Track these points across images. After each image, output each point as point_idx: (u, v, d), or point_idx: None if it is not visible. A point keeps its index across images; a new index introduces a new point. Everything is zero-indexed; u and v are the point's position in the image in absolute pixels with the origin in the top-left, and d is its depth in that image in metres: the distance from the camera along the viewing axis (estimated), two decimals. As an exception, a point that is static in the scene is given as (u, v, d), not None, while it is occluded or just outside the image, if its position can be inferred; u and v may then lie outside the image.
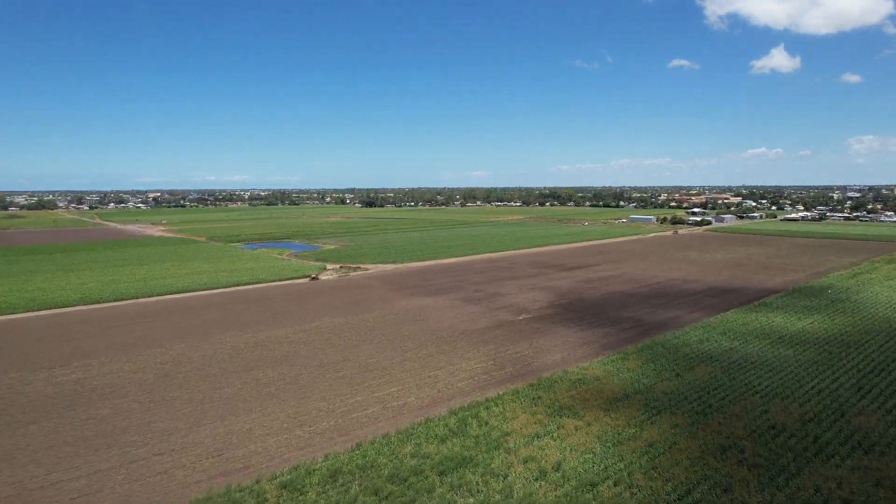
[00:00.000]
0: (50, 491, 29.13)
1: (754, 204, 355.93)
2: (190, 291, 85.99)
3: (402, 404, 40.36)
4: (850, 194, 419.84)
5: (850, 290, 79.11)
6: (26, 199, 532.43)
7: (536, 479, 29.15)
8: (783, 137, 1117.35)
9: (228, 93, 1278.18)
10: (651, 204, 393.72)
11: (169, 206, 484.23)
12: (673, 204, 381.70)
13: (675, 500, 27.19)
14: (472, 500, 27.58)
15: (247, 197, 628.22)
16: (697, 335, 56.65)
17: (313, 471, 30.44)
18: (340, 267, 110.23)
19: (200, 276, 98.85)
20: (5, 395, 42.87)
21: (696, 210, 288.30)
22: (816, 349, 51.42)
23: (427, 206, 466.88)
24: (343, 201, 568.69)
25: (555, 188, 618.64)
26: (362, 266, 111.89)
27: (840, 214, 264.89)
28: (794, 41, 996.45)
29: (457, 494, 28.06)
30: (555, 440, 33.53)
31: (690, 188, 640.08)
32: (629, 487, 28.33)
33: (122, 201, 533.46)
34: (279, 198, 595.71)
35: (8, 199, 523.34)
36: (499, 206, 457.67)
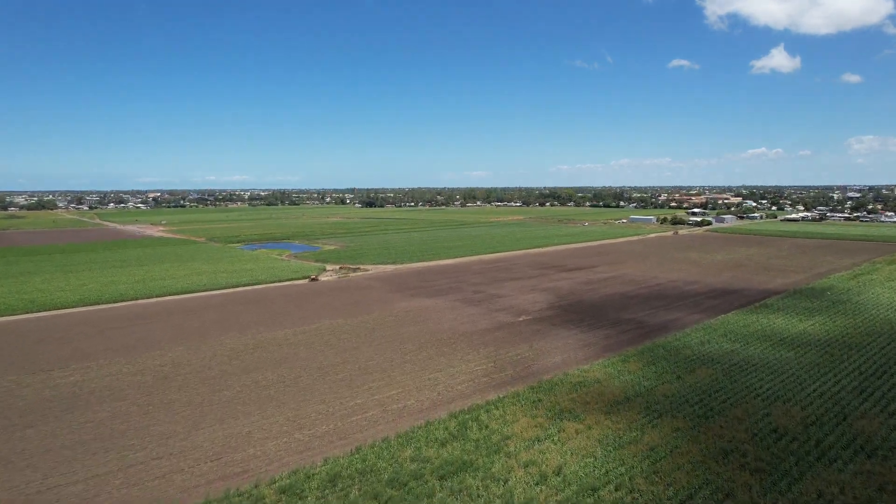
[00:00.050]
0: (47, 496, 28.92)
1: (754, 204, 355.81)
2: (189, 293, 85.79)
3: (402, 407, 40.16)
4: (851, 194, 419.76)
5: (851, 292, 78.91)
6: (26, 200, 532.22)
7: (537, 484, 28.95)
8: (783, 137, 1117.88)
9: (228, 93, 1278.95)
10: (651, 204, 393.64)
11: (169, 207, 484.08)
12: (673, 204, 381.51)
13: (676, 506, 26.98)
14: (472, 505, 27.38)
15: (247, 197, 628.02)
16: (698, 337, 56.45)
17: (312, 475, 30.24)
18: (340, 268, 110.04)
19: (200, 277, 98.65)
20: (3, 398, 42.66)
21: (696, 210, 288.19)
22: (818, 351, 51.22)
23: (427, 207, 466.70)
24: (343, 201, 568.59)
25: (555, 188, 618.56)
26: (362, 267, 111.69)
27: (840, 215, 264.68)
28: (794, 41, 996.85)
29: (457, 499, 27.86)
30: (555, 444, 33.32)
31: (690, 188, 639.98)
32: (630, 492, 28.13)
33: (121, 201, 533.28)
34: (279, 198, 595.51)
35: (8, 199, 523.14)
36: (499, 206, 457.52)
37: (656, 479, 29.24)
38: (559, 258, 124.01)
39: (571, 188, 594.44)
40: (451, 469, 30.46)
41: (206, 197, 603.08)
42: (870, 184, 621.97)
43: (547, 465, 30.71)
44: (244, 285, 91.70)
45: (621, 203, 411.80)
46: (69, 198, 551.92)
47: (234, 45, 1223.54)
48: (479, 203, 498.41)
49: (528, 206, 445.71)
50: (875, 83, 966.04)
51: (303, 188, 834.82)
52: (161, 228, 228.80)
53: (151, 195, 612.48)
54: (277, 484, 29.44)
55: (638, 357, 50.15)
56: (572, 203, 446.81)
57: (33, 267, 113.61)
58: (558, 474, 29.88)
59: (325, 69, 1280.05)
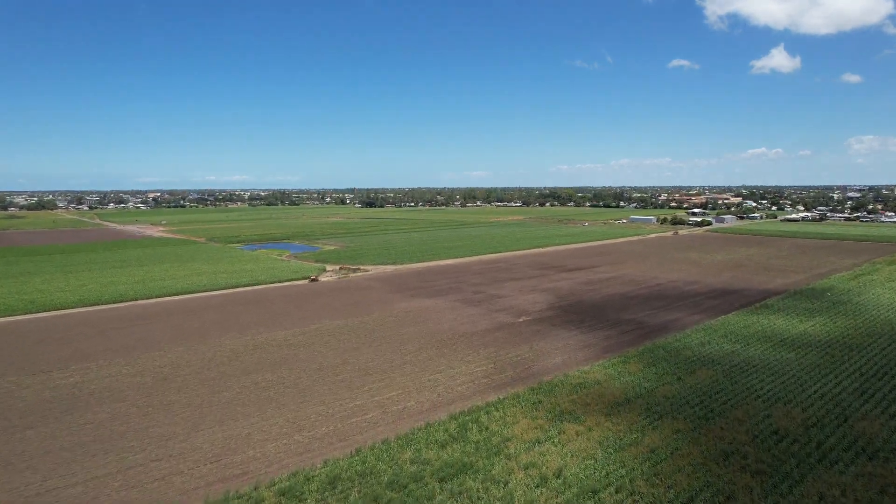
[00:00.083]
0: (46, 498, 28.85)
1: (754, 204, 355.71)
2: (189, 293, 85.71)
3: (402, 409, 40.08)
4: (851, 194, 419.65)
5: (852, 292, 78.82)
6: (26, 200, 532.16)
7: (537, 486, 28.87)
8: (783, 137, 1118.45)
9: (228, 93, 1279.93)
10: (651, 204, 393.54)
11: (169, 207, 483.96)
12: (673, 204, 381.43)
13: (677, 508, 26.91)
14: (472, 507, 27.31)
15: (247, 197, 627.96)
16: (699, 338, 56.38)
17: (312, 477, 30.16)
18: (340, 268, 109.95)
19: (200, 277, 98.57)
20: (2, 399, 42.58)
21: (696, 210, 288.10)
22: (818, 352, 51.14)
23: (427, 207, 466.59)
24: (343, 201, 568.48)
25: (555, 188, 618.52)
26: (362, 267, 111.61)
27: (840, 215, 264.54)
28: (794, 41, 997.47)
29: (457, 502, 27.79)
30: (556, 446, 33.25)
31: (690, 188, 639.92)
32: (631, 494, 28.05)
33: (121, 201, 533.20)
34: (279, 198, 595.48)
35: (8, 199, 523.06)
36: (499, 206, 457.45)
37: (657, 482, 29.16)
38: (559, 258, 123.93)
39: (571, 188, 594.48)
40: (452, 471, 30.38)
41: (206, 197, 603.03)
42: (870, 184, 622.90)
43: (547, 468, 30.63)
44: (244, 286, 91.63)
45: (621, 203, 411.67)
46: (69, 198, 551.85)
47: (234, 45, 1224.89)
48: (479, 203, 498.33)
49: (528, 206, 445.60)
50: (875, 83, 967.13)
51: (303, 188, 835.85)
52: (161, 229, 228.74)
53: (151, 195, 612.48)
54: (277, 486, 29.36)
55: (638, 358, 50.07)
56: (572, 203, 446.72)
57: (33, 267, 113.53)
58: (559, 476, 29.80)
59: (325, 69, 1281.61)
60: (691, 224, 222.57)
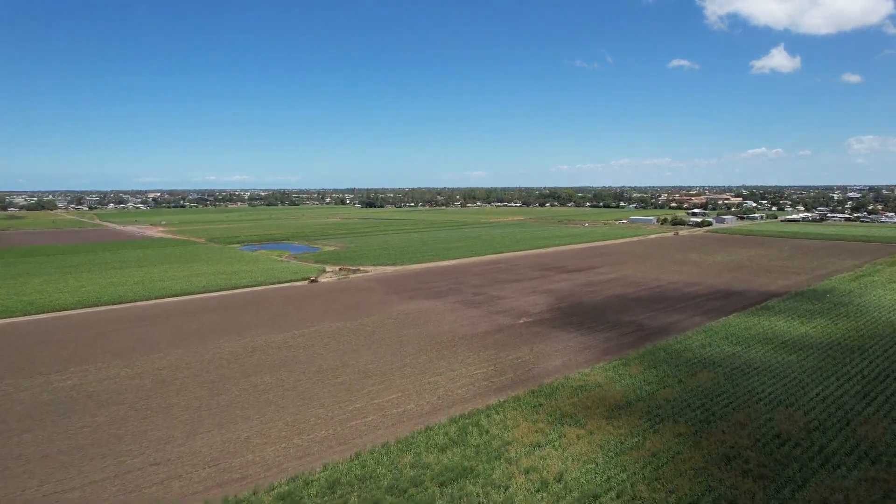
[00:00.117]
0: (43, 503, 28.64)
1: (755, 205, 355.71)
2: (188, 294, 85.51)
3: (402, 412, 39.87)
4: (851, 195, 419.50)
5: (853, 294, 78.61)
6: (26, 200, 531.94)
7: (538, 491, 28.66)
8: (783, 137, 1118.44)
9: (228, 93, 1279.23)
10: (651, 204, 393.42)
11: (168, 207, 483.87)
12: (673, 204, 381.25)
13: (679, 513, 26.71)
14: (472, 512, 27.10)
15: (246, 197, 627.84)
16: (699, 340, 56.17)
17: (311, 481, 29.95)
18: (340, 269, 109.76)
19: (199, 278, 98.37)
20: (0, 402, 42.37)
21: (696, 211, 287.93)
22: (820, 354, 50.93)
23: (427, 207, 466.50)
24: (343, 201, 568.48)
25: (555, 188, 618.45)
26: (362, 268, 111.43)
27: (841, 215, 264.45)
28: (794, 41, 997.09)
29: (457, 507, 27.57)
30: (556, 450, 33.03)
31: (690, 188, 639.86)
32: (632, 499, 27.84)
33: (121, 202, 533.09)
34: (279, 198, 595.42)
35: (7, 199, 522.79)
36: (499, 206, 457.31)
37: (658, 486, 28.95)
38: (560, 259, 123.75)
39: (571, 188, 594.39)
40: (452, 475, 30.17)
41: (206, 197, 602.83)
42: (870, 184, 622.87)
43: (548, 472, 30.42)
44: (244, 287, 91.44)
45: (621, 203, 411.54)
46: (69, 198, 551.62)
47: (234, 45, 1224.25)
48: (479, 203, 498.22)
49: (528, 206, 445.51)
50: (875, 83, 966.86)
51: (303, 188, 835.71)
52: (161, 229, 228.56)
53: (151, 195, 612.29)
54: (276, 490, 29.15)
55: (639, 360, 49.85)
56: (572, 203, 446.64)
57: (32, 268, 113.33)
58: (559, 481, 29.59)
59: (325, 69, 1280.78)
60: (691, 224, 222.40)
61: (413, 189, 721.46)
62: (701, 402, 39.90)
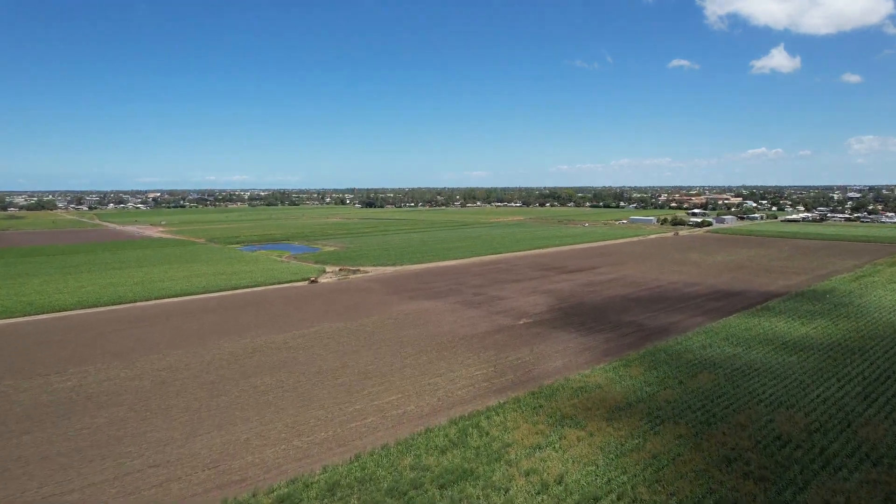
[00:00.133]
0: (42, 505, 28.57)
1: (755, 205, 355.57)
2: (188, 295, 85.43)
3: (402, 413, 39.79)
4: (851, 195, 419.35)
5: (853, 294, 78.52)
6: (26, 200, 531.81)
7: (538, 493, 28.57)
8: (783, 137, 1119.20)
9: (228, 93, 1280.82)
10: (651, 204, 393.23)
11: (168, 207, 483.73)
12: (673, 204, 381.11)
13: (680, 516, 26.63)
14: (472, 515, 27.02)
15: (246, 197, 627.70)
16: (700, 341, 56.08)
17: (311, 484, 29.86)
18: (340, 269, 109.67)
19: (199, 279, 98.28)
20: (-1, 403, 42.32)
21: (696, 211, 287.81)
22: (820, 356, 50.85)
23: (427, 207, 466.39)
24: (343, 201, 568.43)
25: (555, 188, 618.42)
26: (362, 268, 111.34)
27: (841, 215, 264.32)
28: (794, 41, 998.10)
29: (457, 509, 27.49)
30: (557, 452, 32.94)
31: (690, 188, 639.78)
32: (633, 502, 27.75)
33: (121, 202, 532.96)
34: (279, 198, 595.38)
35: (7, 199, 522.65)
36: (499, 206, 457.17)
37: (659, 489, 28.87)
38: (560, 259, 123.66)
39: (571, 188, 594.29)
40: (452, 478, 30.09)
41: (206, 197, 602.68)
42: (870, 184, 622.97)
43: (548, 474, 30.33)
44: (244, 287, 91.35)
45: (621, 203, 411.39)
46: (69, 198, 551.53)
47: (234, 45, 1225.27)
48: (479, 203, 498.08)
49: (528, 206, 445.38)
50: (875, 83, 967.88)
51: (303, 188, 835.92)
52: (160, 229, 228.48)
53: (151, 195, 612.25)
54: (276, 493, 29.06)
55: (639, 361, 49.77)
56: (572, 203, 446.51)
57: (32, 268, 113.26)
58: (560, 483, 29.51)
59: (325, 69, 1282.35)
60: (692, 225, 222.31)
61: (413, 189, 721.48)
62: (701, 404, 39.81)
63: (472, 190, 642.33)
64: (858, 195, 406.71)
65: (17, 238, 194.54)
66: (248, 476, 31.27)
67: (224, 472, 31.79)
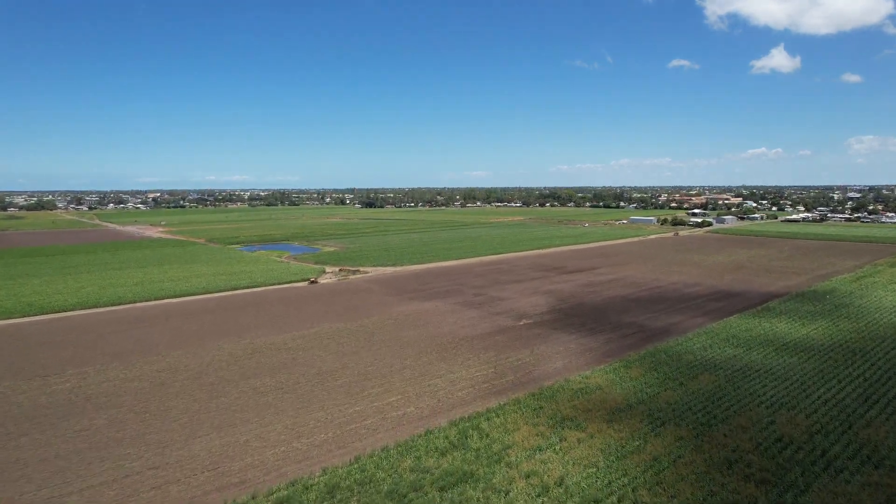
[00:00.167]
0: (41, 508, 28.46)
1: (755, 205, 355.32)
2: (188, 295, 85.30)
3: (402, 414, 39.67)
4: (851, 195, 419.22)
5: (854, 295, 78.40)
6: (25, 200, 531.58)
7: (539, 496, 28.47)
8: (783, 137, 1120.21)
9: (228, 93, 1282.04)
10: (651, 205, 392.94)
11: (168, 207, 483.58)
12: (673, 205, 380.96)
13: (681, 519, 26.52)
14: (473, 517, 26.92)
15: (246, 197, 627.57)
16: (700, 342, 55.95)
17: (311, 486, 29.75)
18: (340, 270, 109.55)
19: (199, 279, 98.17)
20: (-2, 404, 42.19)
21: (696, 211, 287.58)
22: (821, 357, 50.73)
23: (427, 207, 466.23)
24: (343, 202, 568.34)
25: (555, 188, 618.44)
26: (361, 269, 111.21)
27: (841, 216, 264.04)
28: (794, 41, 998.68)
29: (457, 512, 27.37)
30: (557, 454, 32.83)
31: (690, 188, 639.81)
32: (634, 504, 27.64)
33: (121, 202, 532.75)
34: (279, 198, 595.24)
35: (7, 199, 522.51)
36: (499, 206, 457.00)
37: (660, 491, 28.76)
38: (560, 260, 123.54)
39: (571, 188, 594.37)
40: (452, 480, 29.98)
41: (206, 197, 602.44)
42: (870, 184, 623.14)
43: (549, 476, 30.23)
44: (243, 288, 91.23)
45: (621, 203, 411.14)
46: (69, 198, 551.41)
47: (234, 45, 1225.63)
48: (479, 203, 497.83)
49: (528, 206, 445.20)
50: (875, 83, 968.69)
51: (303, 188, 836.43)
52: (160, 229, 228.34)
53: (151, 195, 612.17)
54: (275, 495, 28.96)
55: (640, 362, 49.65)
56: (572, 203, 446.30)
57: (31, 269, 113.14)
58: (560, 485, 29.40)
59: (325, 69, 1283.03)
60: (692, 225, 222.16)
61: (413, 189, 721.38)
62: (702, 405, 39.70)
63: (472, 190, 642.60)
64: (858, 195, 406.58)
65: (16, 238, 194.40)
66: (247, 478, 31.17)
67: (223, 473, 31.68)
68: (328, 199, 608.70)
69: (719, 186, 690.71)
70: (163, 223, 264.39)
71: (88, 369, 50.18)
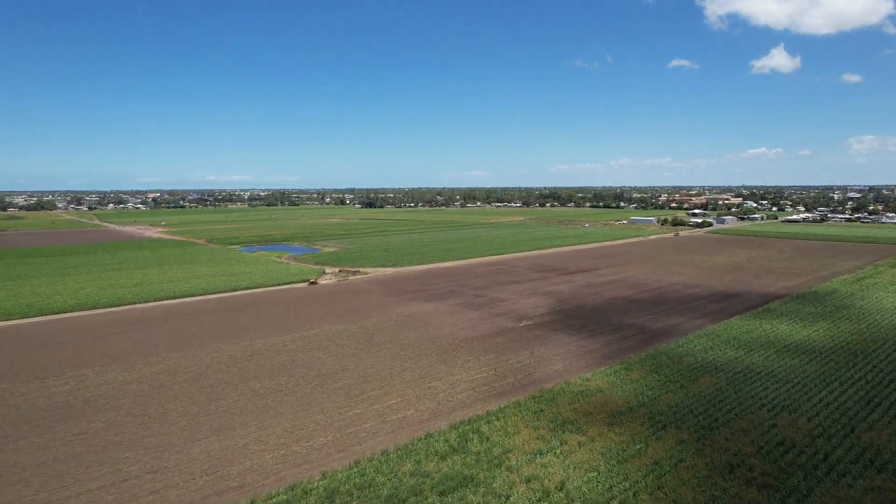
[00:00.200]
0: (38, 512, 28.29)
1: (755, 205, 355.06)
2: (188, 296, 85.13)
3: (402, 417, 39.50)
4: (851, 195, 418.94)
5: (855, 296, 78.23)
6: (25, 200, 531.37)
7: (539, 501, 28.29)
8: (783, 137, 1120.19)
9: (228, 93, 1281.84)
10: (651, 205, 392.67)
11: (168, 207, 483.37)
12: (673, 205, 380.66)
13: (682, 524, 26.35)
14: (473, 523, 26.74)
15: (246, 197, 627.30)
16: (701, 344, 55.77)
17: (310, 490, 29.58)
18: (339, 271, 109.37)
19: (198, 280, 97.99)
20: (-4, 407, 42.01)
21: (696, 211, 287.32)
22: (822, 359, 50.55)
23: (427, 207, 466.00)
24: (343, 202, 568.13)
25: (555, 188, 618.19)
26: (361, 270, 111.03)
27: (841, 216, 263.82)
28: (794, 41, 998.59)
29: (457, 517, 27.20)
30: (558, 457, 32.66)
31: (690, 188, 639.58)
32: (635, 509, 27.46)
33: (121, 202, 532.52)
34: (279, 198, 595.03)
35: (7, 199, 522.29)
36: (499, 206, 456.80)
37: (661, 496, 28.58)
38: (560, 260, 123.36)
39: (571, 188, 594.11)
40: (452, 484, 29.80)
41: (206, 197, 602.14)
42: (870, 184, 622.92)
43: (549, 480, 30.04)
44: (243, 289, 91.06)
45: (621, 203, 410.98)
46: (69, 198, 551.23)
47: (234, 45, 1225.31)
48: (479, 203, 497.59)
49: (528, 206, 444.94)
50: (875, 83, 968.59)
51: (302, 188, 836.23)
52: (160, 230, 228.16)
53: (151, 195, 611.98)
54: (274, 500, 28.81)
55: (640, 364, 49.47)
56: (572, 203, 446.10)
57: (31, 270, 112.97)
58: (561, 490, 29.22)
59: (325, 69, 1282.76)
60: (692, 225, 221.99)
61: (413, 189, 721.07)
62: (704, 408, 39.53)
63: (472, 190, 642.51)
64: (859, 195, 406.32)
65: (16, 239, 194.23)
66: (246, 482, 30.99)
67: (222, 478, 31.50)
68: (328, 200, 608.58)
69: (719, 186, 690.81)
70: (162, 223, 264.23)
71: (87, 371, 50.01)
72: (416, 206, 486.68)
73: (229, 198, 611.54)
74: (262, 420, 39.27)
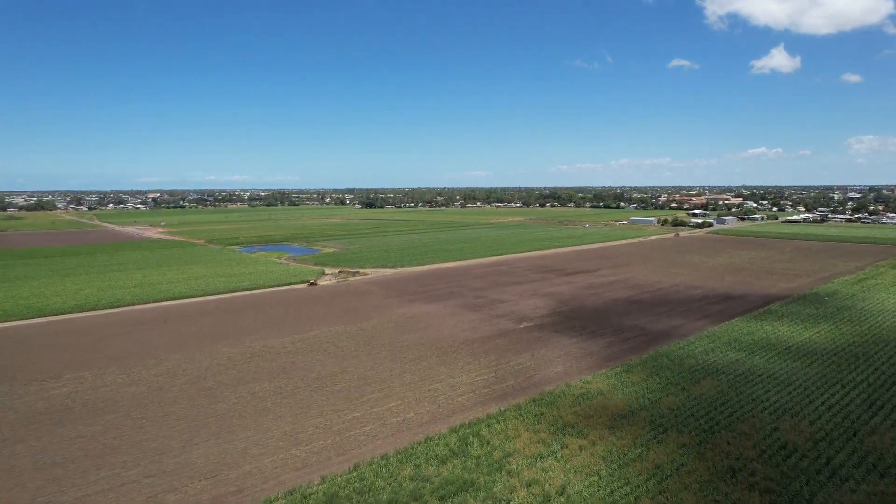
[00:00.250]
0: (35, 517, 28.08)
1: (755, 205, 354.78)
2: (187, 297, 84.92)
3: (402, 420, 39.29)
4: (851, 195, 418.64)
5: (856, 297, 78.00)
6: (25, 200, 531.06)
7: (540, 505, 28.06)
8: (783, 137, 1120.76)
9: (228, 93, 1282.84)
10: (651, 205, 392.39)
11: (168, 207, 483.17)
12: (674, 205, 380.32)
13: (684, 529, 26.13)
14: (473, 528, 26.53)
15: (246, 197, 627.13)
16: (702, 346, 55.55)
17: (309, 495, 29.38)
18: (339, 271, 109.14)
19: (198, 281, 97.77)
20: (-6, 410, 41.79)
21: (696, 212, 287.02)
22: (824, 361, 50.33)
23: (427, 207, 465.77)
24: (343, 202, 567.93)
25: (555, 188, 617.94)
26: (361, 271, 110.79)
27: (842, 216, 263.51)
28: (794, 41, 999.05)
29: (458, 522, 26.99)
30: (558, 461, 32.45)
31: (690, 188, 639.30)
32: (637, 514, 27.25)
33: (121, 202, 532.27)
34: (279, 198, 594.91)
35: (7, 199, 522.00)
36: (499, 206, 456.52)
37: (663, 501, 28.36)
38: (560, 261, 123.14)
39: (571, 188, 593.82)
40: (452, 489, 29.58)
41: (206, 197, 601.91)
42: (870, 184, 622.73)
43: (550, 485, 29.84)
44: (243, 290, 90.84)
45: (622, 204, 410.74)
46: (68, 198, 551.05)
47: (234, 45, 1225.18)
48: (479, 204, 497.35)
49: (528, 206, 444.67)
50: (875, 83, 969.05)
51: (302, 188, 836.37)
52: (160, 230, 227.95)
53: (151, 195, 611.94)
54: (273, 505, 28.58)
55: (641, 367, 49.26)
56: (572, 204, 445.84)
57: (30, 271, 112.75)
58: (562, 494, 29.02)
59: (325, 69, 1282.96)
60: (692, 226, 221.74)
61: (413, 189, 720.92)
62: (705, 411, 39.32)
63: (472, 190, 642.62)
64: (859, 195, 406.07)
65: (15, 239, 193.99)
66: (245, 486, 30.78)
67: (221, 482, 31.29)
68: (328, 200, 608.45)
69: (719, 186, 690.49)
70: (162, 224, 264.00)
71: (86, 373, 49.79)
72: (416, 206, 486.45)
73: (229, 198, 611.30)
74: (261, 423, 39.06)
